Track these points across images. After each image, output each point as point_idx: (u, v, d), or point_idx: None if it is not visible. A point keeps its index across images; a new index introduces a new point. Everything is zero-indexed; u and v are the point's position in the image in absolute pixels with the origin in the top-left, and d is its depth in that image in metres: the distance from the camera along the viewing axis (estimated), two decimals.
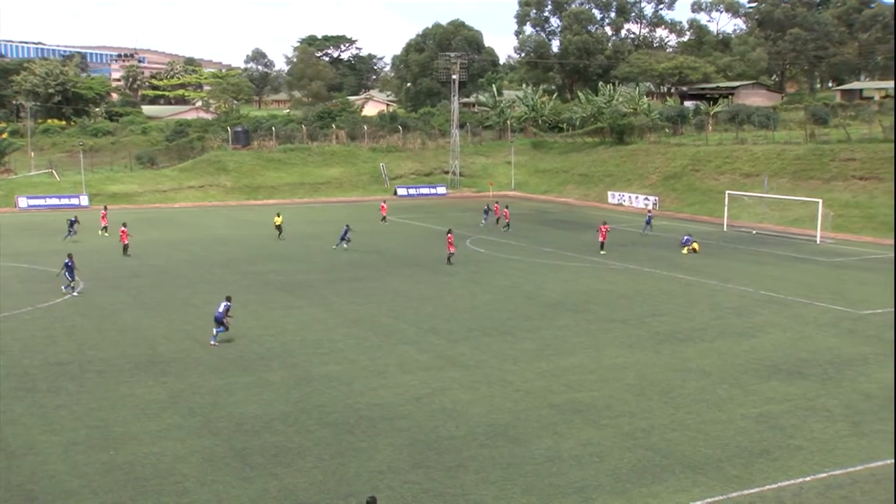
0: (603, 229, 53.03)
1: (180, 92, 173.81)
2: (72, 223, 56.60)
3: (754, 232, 56.47)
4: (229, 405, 24.28)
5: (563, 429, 22.69)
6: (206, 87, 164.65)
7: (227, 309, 30.89)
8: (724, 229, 64.45)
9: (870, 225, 61.35)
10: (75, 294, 38.48)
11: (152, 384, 26.11)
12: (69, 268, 38.79)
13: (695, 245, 52.88)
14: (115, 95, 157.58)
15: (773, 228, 64.56)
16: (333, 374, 27.25)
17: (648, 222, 62.67)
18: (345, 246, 52.55)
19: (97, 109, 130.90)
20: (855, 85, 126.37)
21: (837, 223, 61.26)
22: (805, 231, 61.11)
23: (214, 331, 30.78)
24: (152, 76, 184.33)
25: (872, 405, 24.75)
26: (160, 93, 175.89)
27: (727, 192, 68.06)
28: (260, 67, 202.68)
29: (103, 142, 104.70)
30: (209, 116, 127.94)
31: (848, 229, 61.07)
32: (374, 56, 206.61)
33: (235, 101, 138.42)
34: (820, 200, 60.58)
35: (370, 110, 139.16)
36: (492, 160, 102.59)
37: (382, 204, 69.91)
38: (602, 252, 52.00)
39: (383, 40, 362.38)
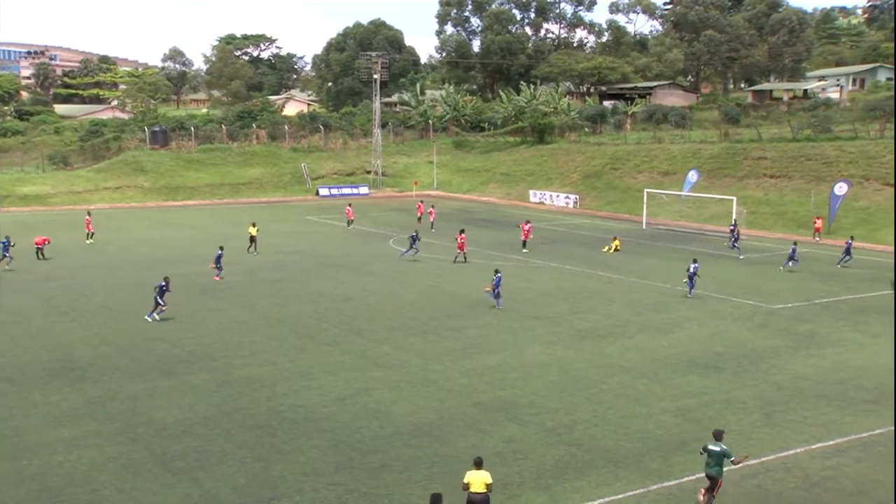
0: (525, 228, 53.56)
1: (95, 91, 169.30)
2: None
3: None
4: (149, 410, 23.83)
5: (487, 427, 22.86)
6: (122, 86, 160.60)
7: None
8: (643, 227, 65.75)
9: (780, 221, 63.27)
10: (155, 319, 33.85)
11: (68, 391, 25.45)
12: (161, 290, 34.10)
13: (616, 243, 53.78)
14: (24, 94, 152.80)
15: (690, 226, 66.10)
16: (256, 377, 26.96)
17: (848, 251, 48.69)
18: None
19: (6, 108, 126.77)
20: (765, 86, 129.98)
21: (750, 220, 63.02)
22: (720, 228, 62.66)
23: None
24: (65, 74, 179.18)
25: (783, 396, 25.59)
26: (73, 91, 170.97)
27: (645, 190, 69.46)
28: (177, 66, 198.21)
29: (13, 142, 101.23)
30: (125, 116, 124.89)
31: (760, 226, 62.85)
32: (295, 55, 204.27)
33: (152, 101, 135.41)
34: (734, 198, 62.29)
35: (291, 110, 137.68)
36: (414, 160, 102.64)
37: (348, 207, 66.39)
38: (524, 250, 52.52)
39: (304, 39, 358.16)
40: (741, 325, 34.63)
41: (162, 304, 34.17)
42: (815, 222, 59.79)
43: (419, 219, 66.46)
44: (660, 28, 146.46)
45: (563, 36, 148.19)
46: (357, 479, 19.53)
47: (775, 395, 25.73)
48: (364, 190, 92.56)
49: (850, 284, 43.29)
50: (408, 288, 41.58)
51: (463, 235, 49.02)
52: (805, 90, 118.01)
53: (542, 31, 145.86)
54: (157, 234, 60.70)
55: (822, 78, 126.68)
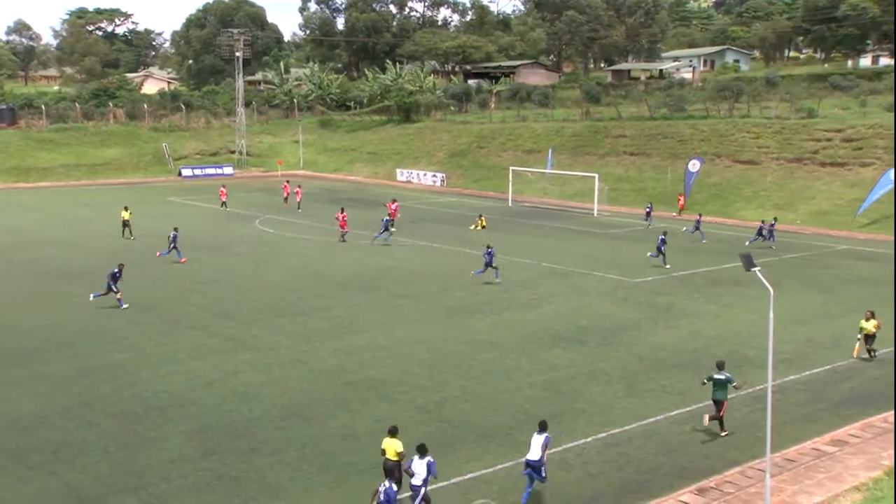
0: (392, 207, 53.57)
1: None
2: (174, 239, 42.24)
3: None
4: (1, 402, 22.70)
5: (358, 406, 22.85)
6: None
7: None
8: (509, 204, 66.81)
9: (640, 198, 65.39)
10: (124, 307, 32.64)
11: None
12: (114, 276, 32.69)
13: (482, 221, 54.46)
14: None
15: (554, 202, 67.60)
16: (118, 363, 26.07)
17: (771, 233, 48.96)
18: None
19: None
20: (623, 66, 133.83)
21: (612, 197, 64.93)
22: (583, 204, 64.36)
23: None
24: None
25: (644, 366, 26.58)
26: None
27: (511, 168, 70.55)
28: (24, 40, 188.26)
29: None
30: None
31: (621, 202, 64.87)
32: (153, 31, 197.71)
33: None
34: (596, 175, 64.03)
35: (150, 88, 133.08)
36: (279, 139, 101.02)
37: (222, 188, 64.60)
38: (392, 229, 52.46)
39: (161, 15, 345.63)
40: (604, 299, 35.71)
41: (115, 290, 32.74)
42: (679, 199, 62.26)
43: (286, 199, 65.53)
44: (522, 8, 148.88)
45: (427, 14, 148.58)
46: (226, 464, 19.19)
47: (637, 365, 26.70)
48: (228, 170, 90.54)
49: (704, 258, 45.23)
50: (274, 269, 41.00)
51: (344, 214, 48.88)
52: (661, 70, 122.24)
53: (407, 10, 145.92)
54: (4, 217, 57.64)
55: (676, 59, 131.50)
